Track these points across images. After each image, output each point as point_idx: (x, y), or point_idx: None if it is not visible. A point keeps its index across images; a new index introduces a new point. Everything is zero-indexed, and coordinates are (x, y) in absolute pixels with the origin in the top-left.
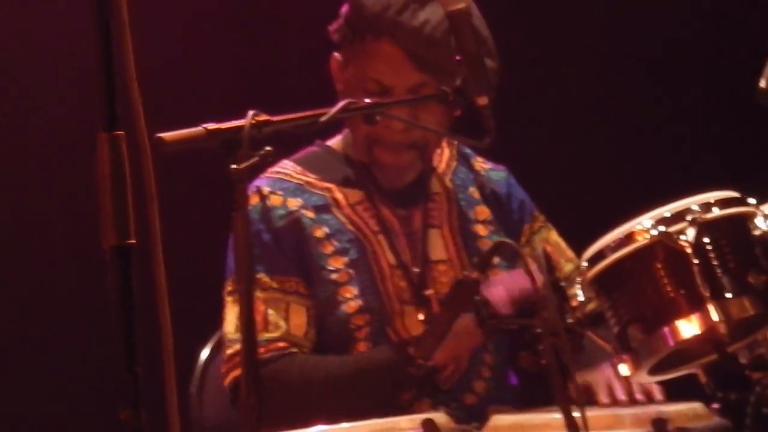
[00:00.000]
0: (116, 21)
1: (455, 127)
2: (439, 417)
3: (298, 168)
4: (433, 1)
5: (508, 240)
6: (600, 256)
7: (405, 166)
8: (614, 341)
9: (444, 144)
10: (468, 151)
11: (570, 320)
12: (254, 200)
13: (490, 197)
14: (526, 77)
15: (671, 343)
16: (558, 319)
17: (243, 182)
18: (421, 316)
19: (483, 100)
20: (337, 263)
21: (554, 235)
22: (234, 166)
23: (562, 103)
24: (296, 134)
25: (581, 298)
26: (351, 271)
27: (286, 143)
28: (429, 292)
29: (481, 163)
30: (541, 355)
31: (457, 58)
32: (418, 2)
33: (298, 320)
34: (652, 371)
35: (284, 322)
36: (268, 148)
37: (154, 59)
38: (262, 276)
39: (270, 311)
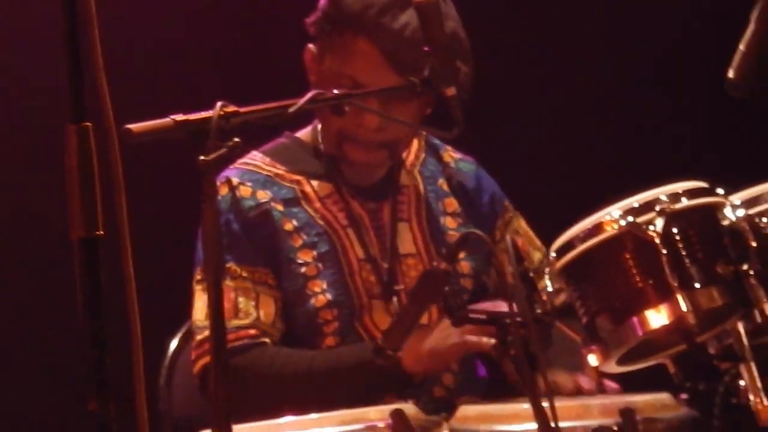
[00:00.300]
0: (84, 13)
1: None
2: (408, 408)
3: (267, 159)
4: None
5: (476, 230)
6: (568, 246)
7: (374, 165)
8: (583, 332)
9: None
10: (437, 142)
11: (539, 311)
12: (224, 190)
13: (458, 189)
14: (502, 69)
15: (640, 333)
16: (527, 309)
17: (211, 173)
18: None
19: (451, 91)
20: (305, 256)
21: (523, 224)
22: (202, 158)
23: (534, 93)
24: (265, 125)
25: (550, 288)
26: (320, 264)
27: (257, 134)
28: (399, 287)
29: (450, 154)
30: (509, 347)
31: (425, 49)
32: (399, 5)
33: (267, 309)
34: (621, 361)
35: (254, 309)
36: (236, 139)
37: (122, 51)
38: (232, 265)
39: (240, 299)
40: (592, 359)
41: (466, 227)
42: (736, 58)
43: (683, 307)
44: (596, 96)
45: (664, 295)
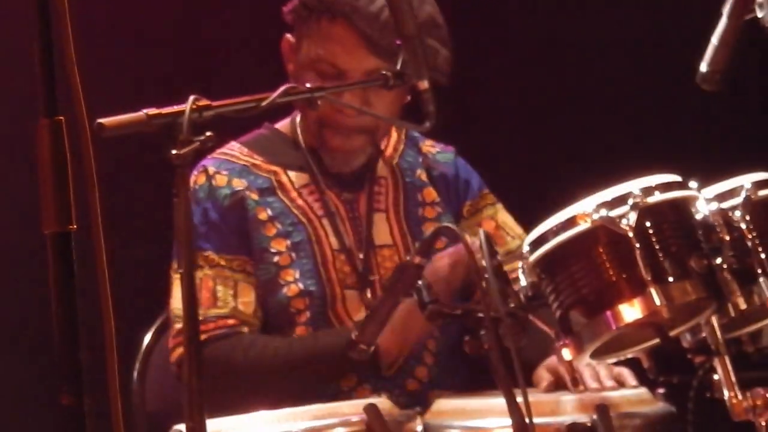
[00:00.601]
0: (56, 6)
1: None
2: (382, 402)
3: (245, 150)
4: None
5: (449, 225)
6: (542, 239)
7: (354, 151)
8: (556, 325)
9: (392, 128)
10: (416, 134)
11: (512, 304)
12: (201, 179)
13: (438, 179)
14: (481, 63)
15: (613, 326)
16: (500, 303)
17: (184, 167)
18: (364, 301)
19: (423, 84)
20: (279, 246)
21: (502, 213)
22: (175, 152)
23: (512, 86)
24: (238, 118)
25: (523, 282)
26: (293, 254)
27: (240, 126)
28: (373, 277)
29: (429, 146)
30: (483, 340)
31: (397, 42)
32: None
33: (247, 298)
34: (595, 355)
35: (233, 299)
36: (208, 133)
37: (95, 44)
38: (210, 253)
39: (219, 287)
40: (566, 353)
41: (445, 217)
42: (709, 52)
43: (657, 301)
44: (570, 89)
45: (638, 289)
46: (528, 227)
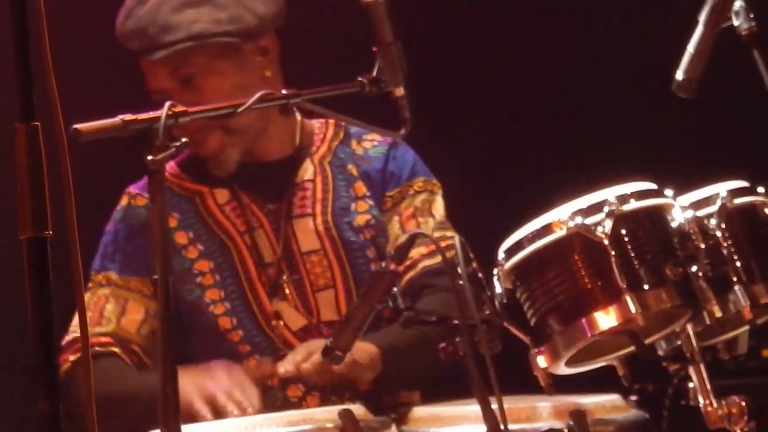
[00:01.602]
0: (33, 11)
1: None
2: (357, 408)
3: (177, 170)
4: None
5: (421, 231)
6: (517, 246)
7: (213, 152)
8: (531, 333)
9: (328, 124)
10: (353, 130)
11: (487, 311)
12: (122, 201)
13: (363, 176)
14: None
15: (589, 334)
16: (475, 310)
17: (159, 173)
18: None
19: (399, 91)
20: (202, 267)
21: (436, 203)
22: (150, 157)
23: (486, 92)
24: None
25: (498, 289)
26: (217, 275)
27: None
28: (282, 279)
29: (368, 142)
30: (459, 347)
31: (373, 48)
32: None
33: (134, 316)
34: (570, 363)
35: (117, 317)
36: (184, 139)
37: (71, 49)
38: (112, 274)
39: (108, 306)
40: (541, 360)
41: (375, 210)
42: (684, 60)
43: (632, 308)
44: (547, 96)
45: (613, 297)
46: (502, 235)
